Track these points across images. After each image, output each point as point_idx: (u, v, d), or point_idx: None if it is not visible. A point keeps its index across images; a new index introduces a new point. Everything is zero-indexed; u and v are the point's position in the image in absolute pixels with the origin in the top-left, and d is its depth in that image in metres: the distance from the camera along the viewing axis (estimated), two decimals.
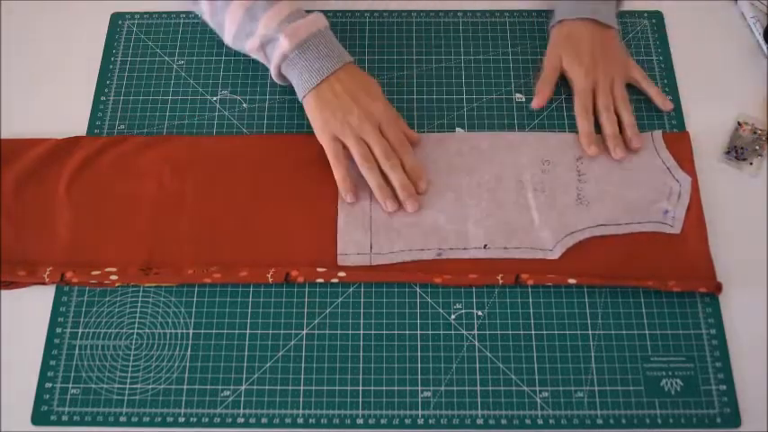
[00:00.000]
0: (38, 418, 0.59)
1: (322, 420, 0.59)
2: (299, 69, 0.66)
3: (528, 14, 0.78)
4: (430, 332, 0.62)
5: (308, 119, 0.68)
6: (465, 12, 0.78)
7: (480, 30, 0.77)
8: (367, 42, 0.76)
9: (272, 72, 0.68)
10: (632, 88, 0.73)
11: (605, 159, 0.69)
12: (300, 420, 0.59)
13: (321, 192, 0.68)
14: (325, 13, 0.78)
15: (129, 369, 0.61)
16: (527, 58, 0.75)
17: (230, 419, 0.59)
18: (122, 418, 0.59)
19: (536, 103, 0.71)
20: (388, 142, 0.66)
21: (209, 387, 0.60)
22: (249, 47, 0.69)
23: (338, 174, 0.66)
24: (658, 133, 0.70)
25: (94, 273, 0.64)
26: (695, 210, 0.66)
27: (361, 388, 0.60)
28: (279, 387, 0.60)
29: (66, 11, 0.79)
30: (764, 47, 0.75)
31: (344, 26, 0.77)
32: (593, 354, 0.61)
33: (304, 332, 0.62)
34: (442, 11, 0.78)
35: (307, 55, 0.66)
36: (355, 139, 0.65)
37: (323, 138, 0.66)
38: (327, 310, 0.63)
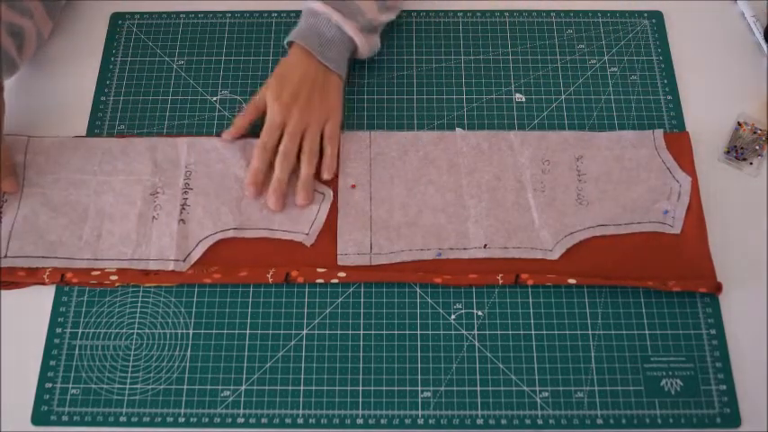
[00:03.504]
0: (38, 418, 0.59)
1: (322, 420, 0.59)
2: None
3: (528, 14, 0.78)
4: (430, 332, 0.62)
5: None
6: (465, 12, 0.78)
7: (480, 30, 0.77)
8: None
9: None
10: (633, 89, 0.73)
11: (605, 159, 0.69)
12: (300, 420, 0.59)
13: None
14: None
15: (129, 369, 0.61)
16: (527, 58, 0.75)
17: (230, 419, 0.59)
18: (122, 419, 0.59)
19: (227, 134, 0.69)
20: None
21: (209, 387, 0.60)
22: None
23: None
24: (659, 132, 0.70)
25: (94, 273, 0.64)
26: (695, 210, 0.66)
27: (361, 388, 0.60)
28: (279, 387, 0.60)
29: (66, 11, 0.79)
30: (764, 47, 0.75)
31: None
32: (593, 354, 0.61)
33: (304, 332, 0.62)
34: (441, 11, 0.78)
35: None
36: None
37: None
38: (327, 311, 0.63)
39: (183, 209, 0.66)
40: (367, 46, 0.71)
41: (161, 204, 0.67)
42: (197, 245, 0.65)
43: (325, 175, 0.67)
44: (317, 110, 0.68)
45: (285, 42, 0.71)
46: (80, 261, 0.64)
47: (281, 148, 0.66)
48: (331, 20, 0.68)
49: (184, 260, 0.64)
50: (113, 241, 0.65)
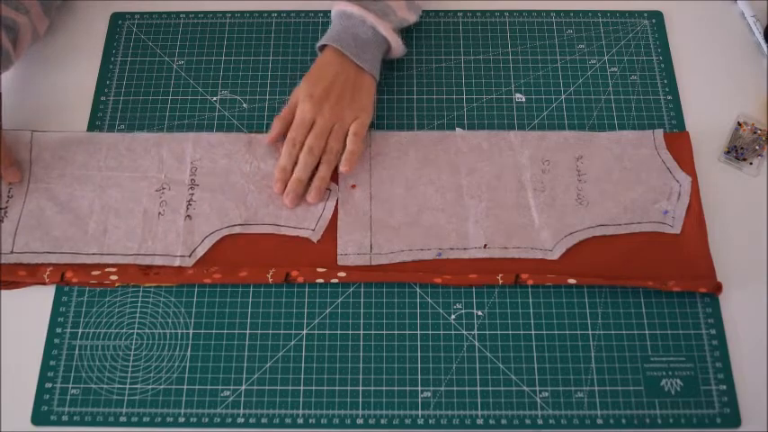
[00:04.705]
0: (38, 418, 0.59)
1: (322, 420, 0.59)
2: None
3: (528, 14, 0.78)
4: (430, 332, 0.62)
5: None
6: (465, 12, 0.78)
7: (480, 30, 0.77)
8: None
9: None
10: (633, 89, 0.73)
11: (605, 159, 0.69)
12: (300, 420, 0.59)
13: None
14: (325, 13, 0.78)
15: (129, 369, 0.61)
16: (527, 58, 0.75)
17: (230, 419, 0.59)
18: (122, 418, 0.59)
19: (267, 138, 0.69)
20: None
21: (209, 387, 0.60)
22: None
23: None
24: (659, 132, 0.70)
25: (94, 273, 0.64)
26: (695, 210, 0.66)
27: (361, 388, 0.60)
28: (279, 387, 0.60)
29: (65, 10, 0.79)
30: (764, 47, 0.75)
31: None
32: (593, 354, 0.61)
33: (304, 332, 0.62)
34: (441, 11, 0.78)
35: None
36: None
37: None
38: (327, 310, 0.63)
39: (190, 205, 0.67)
40: (400, 46, 0.71)
41: (167, 200, 0.67)
42: (203, 240, 0.65)
43: (342, 168, 0.67)
44: (347, 109, 0.68)
45: (317, 46, 0.71)
46: (86, 256, 0.64)
47: (307, 143, 0.67)
48: (366, 21, 0.68)
49: (190, 255, 0.64)
50: (119, 236, 0.65)
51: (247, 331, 0.62)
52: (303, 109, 0.67)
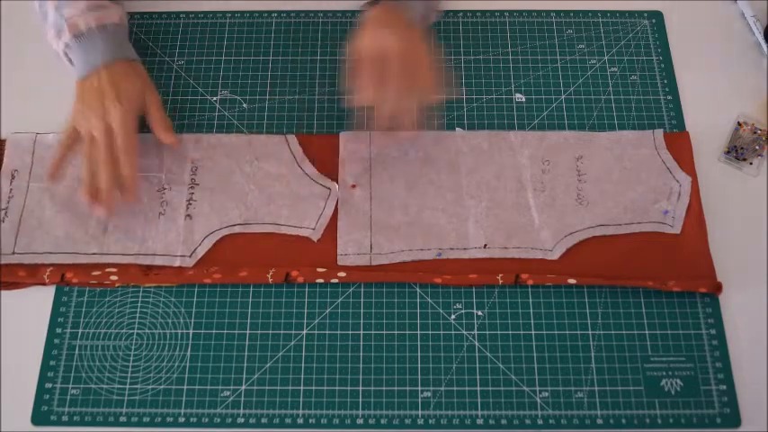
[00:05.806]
0: (38, 418, 0.59)
1: (322, 420, 0.59)
2: (76, 58, 0.68)
3: (528, 14, 0.78)
4: (430, 332, 0.62)
5: (307, 118, 0.69)
6: (465, 12, 0.78)
7: (480, 30, 0.77)
8: None
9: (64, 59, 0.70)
10: (633, 89, 0.73)
11: (605, 159, 0.69)
12: (300, 420, 0.59)
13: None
14: (325, 13, 0.78)
15: (129, 369, 0.61)
16: (527, 58, 0.75)
17: (230, 419, 0.59)
18: (122, 419, 0.59)
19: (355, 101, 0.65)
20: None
21: (209, 387, 0.60)
22: (49, 36, 0.69)
23: (56, 156, 0.66)
24: (659, 132, 0.70)
25: (94, 273, 0.64)
26: (695, 210, 0.66)
27: (361, 388, 0.60)
28: (279, 387, 0.60)
29: None
30: (764, 46, 0.75)
31: (344, 27, 0.77)
32: (593, 354, 0.61)
33: (304, 332, 0.62)
34: (441, 11, 0.78)
35: (84, 46, 0.67)
36: (87, 135, 0.66)
37: (67, 125, 0.67)
38: (327, 310, 0.63)
39: (190, 204, 0.67)
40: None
41: (167, 200, 0.67)
42: (203, 240, 0.65)
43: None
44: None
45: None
46: (86, 256, 0.64)
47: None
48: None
49: (191, 255, 0.64)
50: (119, 235, 0.65)
51: (247, 331, 0.62)
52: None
